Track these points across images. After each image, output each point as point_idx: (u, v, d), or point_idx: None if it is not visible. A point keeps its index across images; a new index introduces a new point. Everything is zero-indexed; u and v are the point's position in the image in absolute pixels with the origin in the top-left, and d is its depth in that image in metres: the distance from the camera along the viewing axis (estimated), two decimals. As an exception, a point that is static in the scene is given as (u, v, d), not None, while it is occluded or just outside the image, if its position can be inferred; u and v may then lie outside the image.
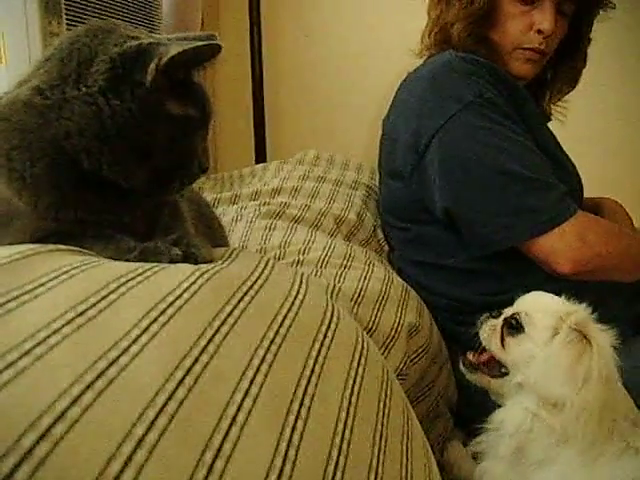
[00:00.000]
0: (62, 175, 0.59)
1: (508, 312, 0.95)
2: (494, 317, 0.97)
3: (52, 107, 0.57)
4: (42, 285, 0.45)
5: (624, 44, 1.99)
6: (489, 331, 0.96)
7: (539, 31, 1.22)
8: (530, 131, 1.16)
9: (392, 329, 0.95)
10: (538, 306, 0.93)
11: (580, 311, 0.89)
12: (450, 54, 1.22)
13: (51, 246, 0.55)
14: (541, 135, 1.22)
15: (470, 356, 1.00)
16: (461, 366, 1.00)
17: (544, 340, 0.87)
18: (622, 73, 2.04)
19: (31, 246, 0.53)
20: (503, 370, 0.94)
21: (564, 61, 1.37)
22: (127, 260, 0.58)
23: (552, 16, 1.21)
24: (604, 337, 0.85)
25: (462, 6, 1.25)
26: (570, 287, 1.06)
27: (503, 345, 0.93)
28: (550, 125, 1.39)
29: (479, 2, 1.23)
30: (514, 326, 0.92)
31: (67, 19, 1.24)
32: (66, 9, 1.22)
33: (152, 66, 0.57)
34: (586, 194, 1.34)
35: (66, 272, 0.48)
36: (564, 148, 1.31)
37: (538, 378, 0.86)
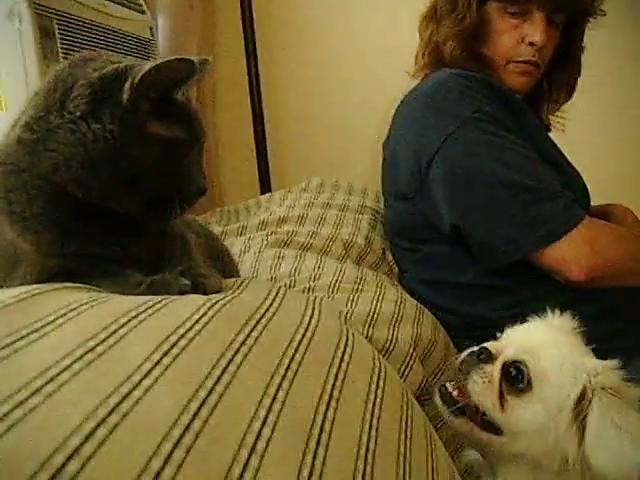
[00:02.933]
0: (60, 210, 0.59)
1: (506, 354, 0.73)
2: (483, 360, 0.73)
3: (39, 141, 0.57)
4: (50, 323, 0.44)
5: (621, 50, 2.00)
6: (482, 384, 0.72)
7: (531, 43, 1.23)
8: (531, 142, 1.16)
9: (409, 347, 0.93)
10: (549, 353, 0.71)
11: (611, 370, 0.68)
12: (444, 72, 1.23)
13: (58, 284, 0.54)
14: (543, 145, 1.22)
15: (451, 388, 0.75)
16: (437, 399, 0.76)
17: (561, 407, 0.67)
18: (622, 78, 2.04)
19: (38, 285, 0.52)
20: (499, 427, 0.71)
21: (558, 71, 1.38)
22: (136, 294, 0.58)
23: (543, 28, 1.22)
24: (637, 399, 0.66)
25: (453, 24, 1.26)
26: (585, 295, 1.05)
27: (502, 404, 0.70)
28: (552, 135, 1.39)
29: (469, 19, 1.24)
30: (516, 378, 0.70)
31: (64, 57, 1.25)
32: (63, 54, 1.24)
33: (127, 85, 0.57)
34: (592, 202, 1.33)
35: (74, 309, 0.47)
36: (567, 157, 1.30)
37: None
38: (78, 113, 0.57)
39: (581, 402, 0.67)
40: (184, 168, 0.63)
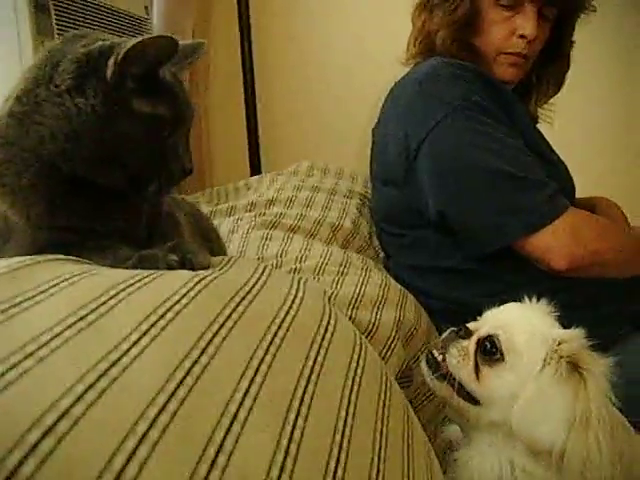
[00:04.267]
0: (49, 183, 0.60)
1: (481, 331, 0.78)
2: (461, 336, 0.79)
3: (27, 113, 0.59)
4: (43, 292, 0.46)
5: (610, 45, 2.02)
6: (458, 356, 0.77)
7: (522, 36, 1.24)
8: (519, 131, 1.18)
9: (392, 330, 0.95)
10: (520, 327, 0.76)
11: (574, 338, 0.73)
12: (435, 60, 1.24)
13: (50, 256, 0.56)
14: (530, 136, 1.23)
15: (437, 353, 0.80)
16: (423, 365, 0.81)
17: (530, 373, 0.71)
18: (609, 73, 2.07)
19: (31, 257, 0.53)
20: (476, 397, 0.76)
21: (548, 64, 1.39)
22: (125, 268, 0.59)
23: (534, 21, 1.24)
24: (600, 369, 0.71)
25: (446, 14, 1.27)
26: (567, 284, 1.07)
27: (477, 375, 0.75)
28: (541, 128, 1.40)
29: (462, 9, 1.25)
30: (490, 351, 0.75)
31: (59, 37, 1.25)
32: (58, 30, 1.24)
33: (111, 60, 0.58)
34: (578, 194, 1.35)
35: (66, 279, 0.49)
36: (554, 148, 1.32)
37: (523, 421, 0.70)
38: (64, 87, 0.58)
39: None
40: (168, 146, 0.64)
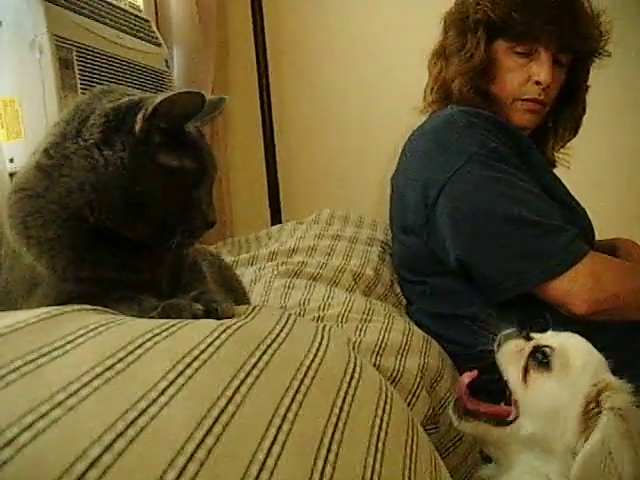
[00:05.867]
0: (75, 234, 0.61)
1: (540, 340, 0.79)
2: (522, 336, 0.81)
3: (56, 166, 0.60)
4: (71, 342, 0.46)
5: (625, 88, 2.03)
6: (512, 353, 0.79)
7: (537, 83, 1.26)
8: (536, 178, 1.18)
9: (417, 376, 0.94)
10: (577, 351, 0.78)
11: (626, 389, 0.73)
12: (452, 108, 1.26)
13: (77, 306, 0.56)
14: (548, 181, 1.24)
15: (466, 400, 0.80)
16: (450, 411, 0.81)
17: (575, 397, 0.72)
18: (626, 115, 2.07)
19: (57, 307, 0.54)
20: (509, 418, 0.77)
21: (564, 109, 1.41)
22: (151, 318, 0.60)
23: (549, 67, 1.25)
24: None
25: (462, 62, 1.30)
26: (589, 328, 1.06)
27: (525, 378, 0.76)
28: (556, 171, 1.41)
29: (477, 57, 1.27)
30: (542, 360, 0.76)
31: (82, 91, 1.29)
32: (81, 84, 1.28)
33: (140, 115, 0.60)
34: (598, 237, 1.34)
35: (93, 329, 0.49)
36: (573, 193, 1.32)
37: (584, 469, 0.68)
38: (92, 141, 0.60)
39: (590, 405, 0.72)
40: (193, 199, 0.65)
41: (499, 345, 0.81)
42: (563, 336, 0.82)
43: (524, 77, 1.28)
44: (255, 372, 0.52)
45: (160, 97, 0.60)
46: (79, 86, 1.29)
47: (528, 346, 0.78)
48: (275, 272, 1.29)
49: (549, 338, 0.81)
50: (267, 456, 0.43)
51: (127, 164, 0.60)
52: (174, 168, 0.63)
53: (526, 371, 0.76)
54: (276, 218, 2.28)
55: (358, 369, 0.64)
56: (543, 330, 0.85)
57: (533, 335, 0.82)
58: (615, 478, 0.67)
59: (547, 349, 0.77)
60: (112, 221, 0.62)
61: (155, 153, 0.61)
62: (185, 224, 0.65)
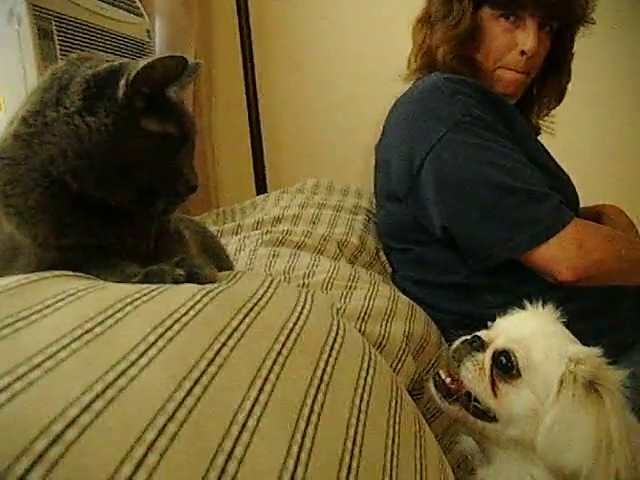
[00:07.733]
0: (57, 202, 0.60)
1: (496, 343, 0.76)
2: (475, 348, 0.77)
3: (35, 134, 0.59)
4: (50, 306, 0.46)
5: (609, 54, 2.03)
6: (473, 371, 0.75)
7: (522, 52, 1.25)
8: (521, 145, 1.18)
9: (402, 342, 0.95)
10: (536, 342, 0.74)
11: (590, 357, 0.71)
12: (436, 76, 1.25)
13: (58, 272, 0.56)
14: (532, 148, 1.24)
15: (445, 376, 0.78)
16: (432, 389, 0.79)
17: (548, 392, 0.70)
18: (610, 82, 2.07)
19: (38, 273, 0.54)
20: (492, 414, 0.74)
21: (549, 77, 1.40)
22: (132, 284, 0.59)
23: (535, 36, 1.24)
24: (617, 385, 0.69)
25: (447, 29, 1.28)
26: (574, 294, 1.07)
27: (494, 391, 0.73)
28: (540, 138, 1.41)
29: (463, 25, 1.26)
30: (506, 366, 0.73)
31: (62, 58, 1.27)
32: (61, 55, 1.26)
33: (122, 81, 0.59)
34: (582, 204, 1.35)
35: (73, 294, 0.49)
36: (557, 160, 1.32)
37: (548, 448, 0.69)
38: (73, 108, 0.59)
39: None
40: (175, 163, 0.65)
41: (455, 359, 0.78)
42: (515, 328, 0.78)
43: (509, 43, 1.26)
44: (237, 335, 0.52)
45: (142, 62, 0.59)
46: (59, 57, 1.26)
47: (486, 357, 0.75)
48: (260, 241, 1.29)
49: (502, 334, 0.77)
50: (248, 417, 0.43)
51: (110, 130, 0.59)
52: (157, 133, 0.62)
53: (493, 382, 0.74)
54: (261, 188, 2.27)
55: (341, 332, 0.65)
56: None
57: (481, 335, 0.79)
58: (579, 447, 0.67)
59: (508, 354, 0.73)
60: (95, 187, 0.61)
61: (138, 119, 0.61)
62: (168, 189, 0.65)
